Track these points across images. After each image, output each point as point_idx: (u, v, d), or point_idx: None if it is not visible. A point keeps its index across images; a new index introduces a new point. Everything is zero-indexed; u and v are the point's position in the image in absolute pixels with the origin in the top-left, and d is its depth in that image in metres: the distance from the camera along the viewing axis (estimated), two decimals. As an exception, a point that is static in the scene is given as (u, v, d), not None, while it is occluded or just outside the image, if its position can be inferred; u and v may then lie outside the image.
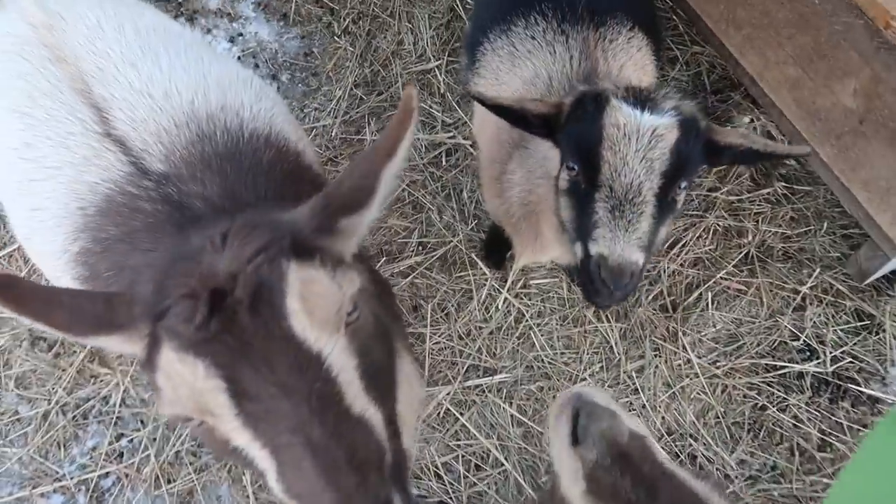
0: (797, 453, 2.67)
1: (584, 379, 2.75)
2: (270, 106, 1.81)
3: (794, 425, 2.71)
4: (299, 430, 0.96)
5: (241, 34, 3.36)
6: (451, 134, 3.12)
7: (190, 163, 1.51)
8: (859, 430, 2.70)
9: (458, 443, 2.61)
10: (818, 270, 2.88)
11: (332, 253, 1.13)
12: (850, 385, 2.78)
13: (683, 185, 1.60)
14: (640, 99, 1.58)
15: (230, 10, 3.41)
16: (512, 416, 2.68)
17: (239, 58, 3.30)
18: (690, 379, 2.75)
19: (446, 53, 3.28)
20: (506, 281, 2.87)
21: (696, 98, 3.21)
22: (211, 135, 1.56)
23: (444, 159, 3.10)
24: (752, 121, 3.17)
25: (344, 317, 1.06)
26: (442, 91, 3.22)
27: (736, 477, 2.63)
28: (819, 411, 2.74)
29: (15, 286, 1.04)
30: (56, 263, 1.58)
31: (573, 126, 1.62)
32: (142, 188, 1.47)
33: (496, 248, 2.83)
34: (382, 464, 1.02)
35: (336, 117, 3.18)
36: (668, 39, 3.28)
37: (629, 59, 2.08)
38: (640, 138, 1.52)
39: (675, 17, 3.26)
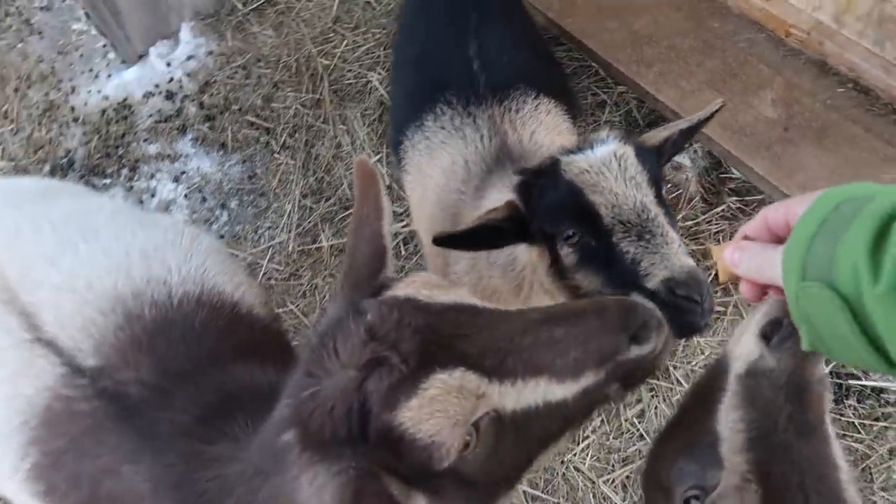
0: (816, 464, 2.62)
1: (588, 437, 2.71)
2: (202, 261, 1.83)
3: (806, 436, 2.66)
4: (530, 332, 1.04)
5: (183, 172, 3.44)
6: (405, 222, 3.16)
7: (120, 349, 1.52)
8: (872, 424, 2.65)
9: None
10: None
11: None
12: (850, 381, 2.74)
13: (664, 190, 1.55)
14: (578, 145, 1.56)
15: (170, 151, 3.49)
16: (524, 491, 2.63)
17: (186, 195, 3.37)
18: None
19: (384, 146, 3.35)
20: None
21: (632, 135, 3.27)
22: (139, 314, 1.57)
23: (402, 248, 3.13)
24: (690, 144, 3.22)
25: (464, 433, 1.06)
26: (388, 183, 3.27)
27: (761, 503, 2.57)
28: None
29: None
30: (12, 484, 1.57)
31: (545, 206, 1.53)
32: (77, 388, 1.47)
33: None
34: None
35: (290, 231, 3.22)
36: (592, 86, 3.36)
37: (539, 124, 2.13)
38: (611, 167, 1.46)
39: (593, 63, 3.35)
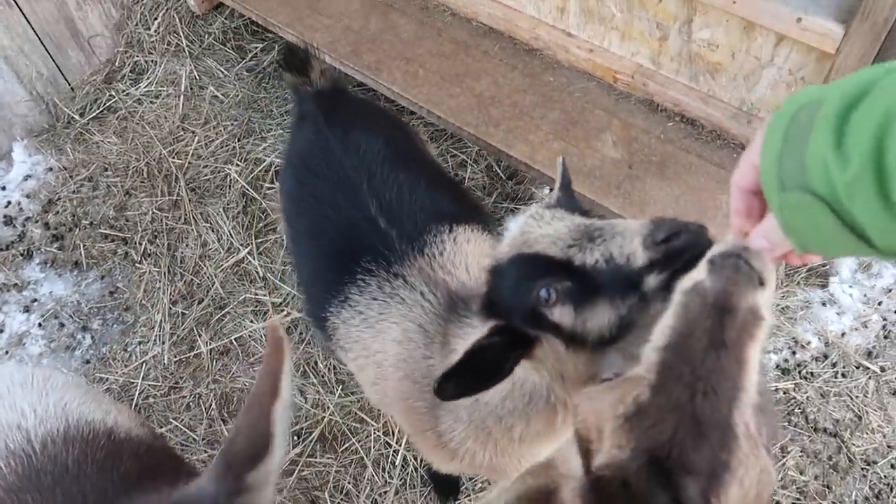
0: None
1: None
2: (60, 396, 1.67)
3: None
4: None
5: (35, 300, 3.17)
6: (286, 312, 3.07)
7: None
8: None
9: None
10: (662, 298, 3.04)
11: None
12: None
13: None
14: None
15: (16, 280, 3.22)
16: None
17: (40, 324, 3.10)
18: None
19: (253, 237, 3.26)
20: (392, 434, 2.78)
21: (496, 188, 3.39)
22: None
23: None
24: (551, 189, 3.38)
25: None
26: (262, 275, 3.18)
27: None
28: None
29: None
30: None
31: (504, 294, 1.41)
32: None
33: (445, 479, 2.63)
34: None
35: (164, 343, 3.03)
36: (450, 148, 3.47)
37: (467, 256, 2.02)
38: (530, 222, 1.38)
39: (445, 129, 3.46)
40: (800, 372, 2.93)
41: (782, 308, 3.06)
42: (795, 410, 2.85)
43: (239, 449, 1.13)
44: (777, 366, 2.94)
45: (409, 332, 1.90)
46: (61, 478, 1.46)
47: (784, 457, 2.74)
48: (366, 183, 2.08)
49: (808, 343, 2.99)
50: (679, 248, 1.23)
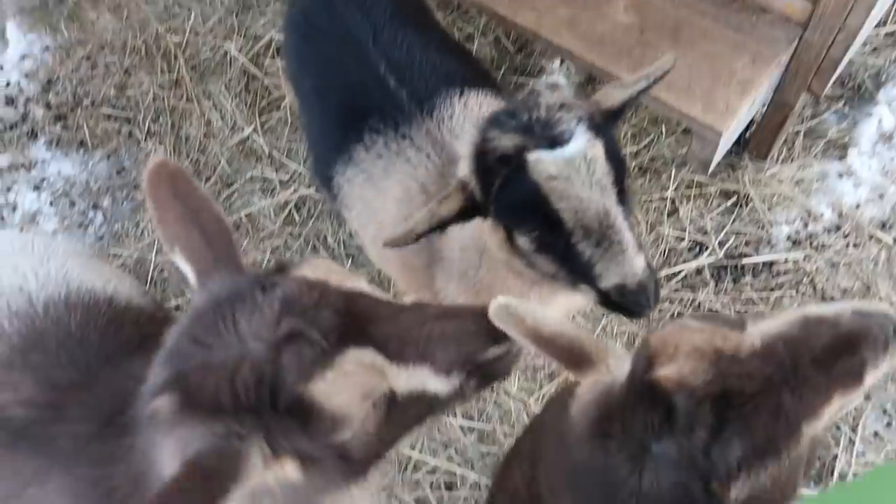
0: (725, 342, 2.76)
1: (513, 362, 2.74)
2: (62, 262, 1.67)
3: (712, 318, 2.80)
4: (417, 326, 1.14)
5: (44, 179, 3.17)
6: (293, 188, 3.06)
7: None
8: (768, 296, 2.82)
9: (419, 475, 2.56)
10: (674, 171, 2.99)
11: None
12: (744, 260, 2.90)
13: (626, 179, 1.50)
14: (549, 134, 1.41)
15: (23, 160, 3.21)
16: (461, 426, 2.64)
17: (51, 202, 3.12)
18: (606, 315, 2.79)
19: (256, 115, 3.21)
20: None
21: (504, 61, 3.27)
22: None
23: (296, 215, 3.03)
24: (562, 62, 3.26)
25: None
26: (267, 152, 3.14)
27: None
28: (728, 295, 2.84)
29: None
30: None
31: (505, 201, 1.46)
32: None
33: None
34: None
35: (174, 220, 3.04)
36: (458, 20, 3.33)
37: (476, 120, 1.97)
38: (579, 172, 1.39)
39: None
40: (811, 243, 2.91)
41: (797, 180, 3.00)
42: (804, 280, 2.86)
43: (210, 247, 1.18)
44: (788, 237, 2.92)
45: (411, 191, 1.90)
46: (65, 341, 1.48)
47: (789, 324, 2.77)
48: (372, 40, 2.02)
49: (822, 215, 2.95)
50: (627, 311, 1.52)
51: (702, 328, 1.05)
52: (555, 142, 1.40)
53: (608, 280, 1.45)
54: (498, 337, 1.14)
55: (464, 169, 1.51)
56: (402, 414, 1.18)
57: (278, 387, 1.01)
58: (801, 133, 3.08)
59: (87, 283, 1.65)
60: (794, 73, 2.58)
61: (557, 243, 1.45)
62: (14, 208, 3.11)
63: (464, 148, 1.53)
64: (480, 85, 2.09)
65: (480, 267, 1.79)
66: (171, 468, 0.99)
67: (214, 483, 0.95)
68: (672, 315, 2.82)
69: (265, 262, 2.92)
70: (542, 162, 1.38)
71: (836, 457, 2.55)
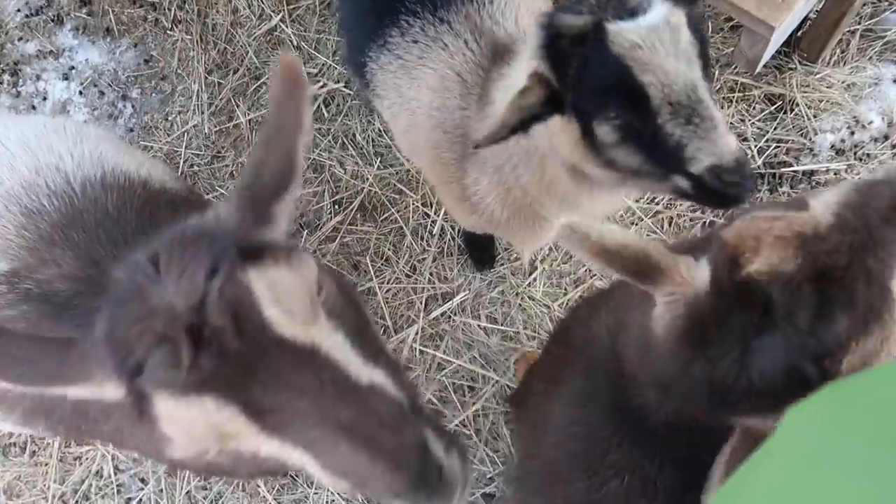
0: (756, 252, 2.73)
1: (537, 266, 2.75)
2: (95, 145, 1.69)
3: (745, 227, 2.76)
4: (326, 420, 0.97)
5: (72, 67, 3.14)
6: (321, 83, 2.99)
7: (32, 248, 1.42)
8: (805, 207, 2.75)
9: (444, 373, 2.64)
10: (717, 71, 2.85)
11: (277, 244, 1.09)
12: (783, 169, 2.81)
13: (709, 54, 1.43)
14: (626, 6, 1.34)
15: (50, 47, 3.17)
16: (484, 328, 2.70)
17: (80, 92, 3.10)
18: (636, 224, 2.76)
19: (284, 3, 3.09)
20: (430, 205, 2.82)
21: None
22: (39, 208, 1.46)
23: (324, 110, 2.98)
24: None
25: (318, 302, 1.05)
26: (296, 43, 3.05)
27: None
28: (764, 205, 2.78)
29: None
30: None
31: (585, 84, 1.37)
32: None
33: (481, 247, 2.71)
34: (404, 411, 1.04)
35: (202, 113, 3.02)
36: None
37: (517, 7, 1.87)
38: (663, 40, 1.31)
39: None
40: (855, 153, 2.80)
41: (847, 85, 2.85)
42: (844, 192, 2.77)
43: (265, 181, 1.10)
44: (832, 146, 2.81)
45: (447, 80, 1.83)
46: (103, 220, 1.51)
47: (824, 236, 2.71)
48: None
49: (870, 123, 2.81)
50: (723, 197, 1.36)
51: (774, 216, 1.06)
52: (633, 13, 1.33)
53: (702, 162, 1.33)
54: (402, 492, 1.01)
55: (533, 60, 1.41)
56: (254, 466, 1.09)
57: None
58: (858, 33, 2.89)
59: (121, 165, 1.67)
60: (857, -33, 2.39)
61: (644, 126, 1.35)
62: (44, 98, 3.11)
63: (531, 37, 1.43)
64: None
65: (528, 169, 1.70)
66: None
67: None
68: (704, 225, 2.78)
69: (294, 158, 2.91)
70: (624, 31, 1.31)
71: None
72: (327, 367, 1.00)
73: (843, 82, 2.85)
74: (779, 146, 2.83)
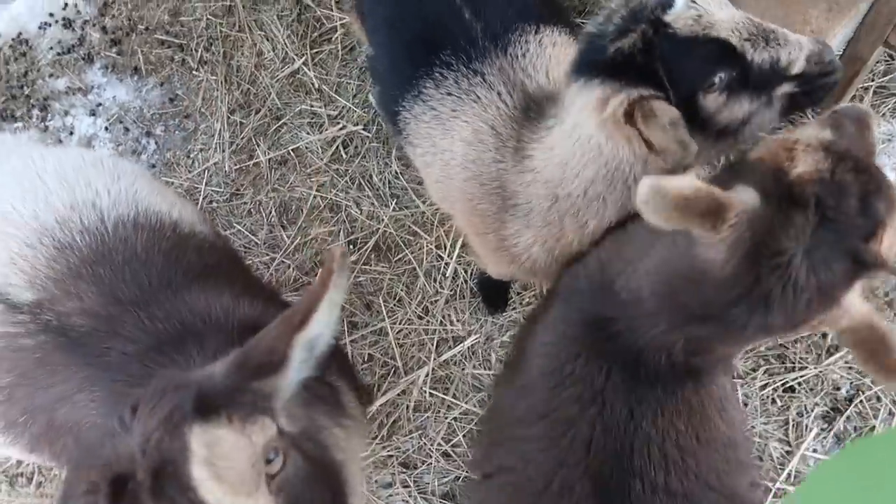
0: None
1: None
2: (131, 182, 1.73)
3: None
4: None
5: (99, 104, 3.23)
6: (341, 125, 3.05)
7: (59, 280, 1.45)
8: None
9: (454, 416, 2.63)
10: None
11: (242, 404, 1.07)
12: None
13: None
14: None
15: (80, 84, 3.26)
16: (494, 376, 2.69)
17: (106, 128, 3.18)
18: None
19: (307, 47, 3.18)
20: (444, 248, 2.84)
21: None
22: (70, 242, 1.49)
23: (342, 152, 3.04)
24: None
25: (261, 472, 1.01)
26: (317, 86, 3.13)
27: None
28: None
29: None
30: None
31: (680, 71, 1.47)
32: (18, 324, 1.41)
33: (495, 291, 2.71)
34: None
35: (223, 151, 3.09)
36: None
37: (549, 59, 1.92)
38: (707, 1, 1.48)
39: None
40: (869, 208, 2.81)
41: (862, 140, 2.87)
42: (858, 246, 2.77)
43: (257, 354, 1.14)
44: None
45: (481, 133, 1.85)
46: (130, 260, 1.54)
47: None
48: None
49: (884, 178, 2.83)
50: (831, 74, 1.53)
51: (788, 132, 1.27)
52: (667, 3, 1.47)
53: (799, 58, 1.50)
54: None
55: (618, 95, 1.48)
56: None
57: None
58: (871, 90, 2.92)
59: (154, 205, 1.70)
60: (870, 24, 2.43)
61: (740, 72, 1.48)
62: (71, 132, 3.19)
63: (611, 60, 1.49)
64: (555, 22, 2.01)
65: (591, 212, 1.71)
66: None
67: None
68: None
69: (311, 198, 2.96)
70: (680, 14, 1.45)
71: (873, 428, 2.53)
72: None
73: (856, 138, 2.87)
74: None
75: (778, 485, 2.47)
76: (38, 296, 1.44)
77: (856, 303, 1.22)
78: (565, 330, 1.55)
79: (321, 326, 1.16)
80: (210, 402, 1.03)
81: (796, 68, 1.51)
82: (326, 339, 1.19)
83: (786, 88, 1.54)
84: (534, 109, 1.81)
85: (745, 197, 1.21)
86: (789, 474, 2.49)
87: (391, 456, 2.60)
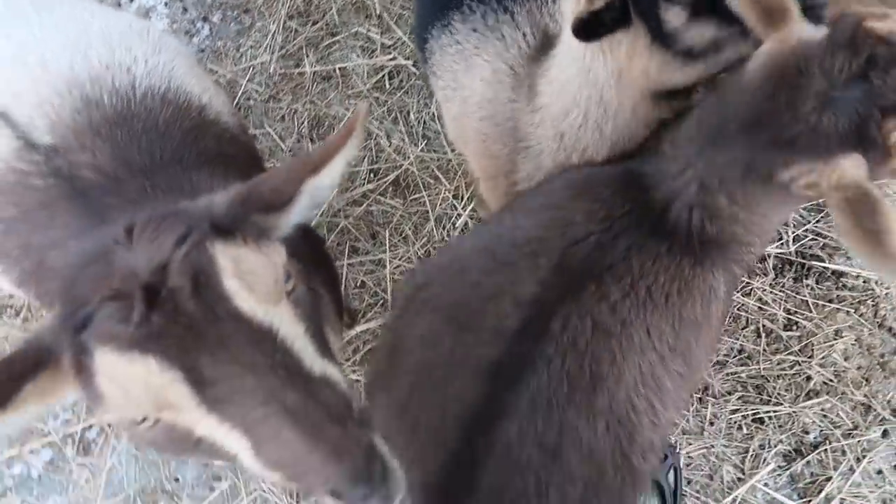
0: (763, 334, 2.71)
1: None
2: (171, 58, 1.75)
3: (759, 308, 2.74)
4: (272, 401, 0.94)
5: (164, -23, 3.25)
6: (392, 56, 3.04)
7: (77, 132, 1.49)
8: (824, 305, 2.72)
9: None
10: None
11: (253, 229, 1.11)
12: (813, 262, 2.78)
13: None
14: None
15: (150, -46, 3.28)
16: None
17: (166, 3, 3.21)
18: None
19: (376, -32, 3.15)
20: (461, 199, 2.85)
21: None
22: (97, 99, 1.53)
23: (387, 82, 3.04)
24: None
25: (283, 287, 1.06)
26: (378, 12, 3.11)
27: (703, 364, 2.68)
28: (783, 291, 2.75)
29: None
30: None
31: None
32: (31, 163, 1.46)
33: None
34: (354, 409, 1.02)
35: (273, 53, 3.10)
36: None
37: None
38: None
39: None
40: (890, 267, 2.75)
41: (903, 198, 2.81)
42: (867, 302, 2.73)
43: (261, 191, 1.15)
44: (869, 254, 2.77)
45: (499, 73, 1.85)
46: (150, 130, 1.58)
47: (836, 339, 2.68)
48: None
49: (914, 241, 2.77)
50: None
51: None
52: None
53: None
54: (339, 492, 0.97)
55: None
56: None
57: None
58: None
59: (186, 86, 1.73)
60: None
61: None
62: (131, 0, 3.22)
63: None
64: None
65: (596, 133, 1.71)
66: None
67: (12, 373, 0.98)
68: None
69: (345, 118, 2.97)
70: None
71: (829, 478, 2.53)
72: (281, 349, 0.99)
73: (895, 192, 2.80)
74: (815, 240, 2.80)
75: (718, 506, 2.50)
76: (56, 142, 1.49)
77: (853, 167, 1.25)
78: (609, 171, 1.63)
79: (331, 177, 1.16)
80: (223, 226, 1.06)
81: None
82: (328, 192, 1.20)
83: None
84: (547, 48, 1.80)
85: (808, 30, 1.29)
86: (734, 500, 2.52)
87: (359, 381, 2.67)
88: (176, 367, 0.93)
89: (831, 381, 2.64)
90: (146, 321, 0.93)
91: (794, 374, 2.65)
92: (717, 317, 1.61)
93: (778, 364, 2.67)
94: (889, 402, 2.63)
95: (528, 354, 1.41)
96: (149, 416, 0.99)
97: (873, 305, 2.72)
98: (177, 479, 2.58)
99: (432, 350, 1.51)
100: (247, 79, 3.07)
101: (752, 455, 2.58)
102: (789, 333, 2.70)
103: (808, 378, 2.64)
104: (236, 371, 0.94)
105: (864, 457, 2.55)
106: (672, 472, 2.43)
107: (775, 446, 2.59)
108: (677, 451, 2.50)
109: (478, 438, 1.38)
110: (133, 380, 0.94)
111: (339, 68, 3.06)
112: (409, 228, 2.84)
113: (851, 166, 1.24)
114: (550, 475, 1.37)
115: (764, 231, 1.61)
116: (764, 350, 2.69)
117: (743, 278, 2.75)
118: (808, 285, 2.76)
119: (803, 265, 2.79)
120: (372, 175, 2.92)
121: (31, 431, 2.59)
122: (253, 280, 1.01)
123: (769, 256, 2.78)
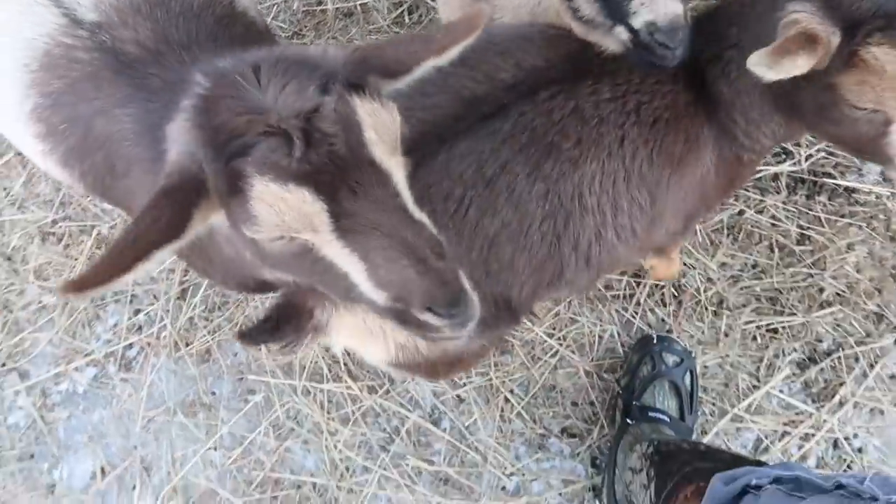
0: (776, 249, 2.77)
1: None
2: None
3: (772, 224, 2.80)
4: (394, 234, 1.14)
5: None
6: (420, -14, 3.13)
7: (120, 10, 1.60)
8: (836, 220, 2.78)
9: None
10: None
11: (374, 88, 1.23)
12: (825, 179, 2.84)
13: None
14: None
15: None
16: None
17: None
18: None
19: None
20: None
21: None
22: None
23: (406, 17, 3.13)
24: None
25: (399, 141, 1.20)
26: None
27: (718, 279, 2.75)
28: (796, 208, 2.81)
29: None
30: (18, 127, 1.71)
31: None
32: (77, 38, 1.57)
33: None
34: (445, 251, 1.22)
35: (295, -12, 3.21)
36: None
37: None
38: None
39: None
40: (903, 182, 2.81)
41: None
42: (880, 216, 2.78)
43: (381, 55, 1.26)
44: (881, 171, 2.82)
45: None
46: (185, 12, 1.69)
47: (848, 252, 2.73)
48: None
49: (925, 157, 2.81)
50: (659, 55, 1.51)
51: None
52: None
53: (641, 16, 1.49)
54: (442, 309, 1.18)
55: None
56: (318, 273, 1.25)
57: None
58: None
59: None
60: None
61: None
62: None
63: None
64: None
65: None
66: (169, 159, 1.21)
67: (179, 203, 1.14)
68: (733, 213, 2.82)
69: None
70: None
71: (843, 383, 2.59)
72: (398, 194, 1.17)
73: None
74: (828, 158, 2.86)
75: (735, 410, 2.57)
76: (100, 18, 1.59)
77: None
78: None
79: (445, 62, 1.30)
80: (351, 79, 1.18)
81: (634, 22, 1.50)
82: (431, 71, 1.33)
83: (620, 33, 1.55)
84: None
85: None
86: (749, 405, 2.59)
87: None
88: (323, 199, 1.10)
89: (844, 292, 2.70)
90: (305, 159, 1.09)
91: (808, 286, 2.71)
92: (696, 179, 1.72)
93: (791, 277, 2.73)
94: (901, 310, 2.69)
95: (506, 104, 1.59)
96: (287, 235, 1.14)
97: (885, 219, 2.78)
98: (213, 393, 2.69)
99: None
100: (271, 16, 3.17)
101: (766, 364, 2.65)
102: (802, 248, 2.76)
103: (821, 290, 2.70)
104: (367, 207, 1.13)
105: (876, 362, 2.61)
106: (688, 374, 2.51)
107: (789, 355, 2.65)
108: (693, 355, 2.58)
109: (432, 144, 1.56)
110: (288, 206, 1.09)
111: (360, 4, 3.16)
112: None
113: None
114: (475, 196, 1.55)
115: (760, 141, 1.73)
116: (777, 264, 2.75)
117: (756, 196, 2.82)
118: (820, 202, 2.82)
119: (815, 182, 2.85)
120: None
121: (76, 351, 2.72)
122: (383, 132, 1.16)
123: (782, 175, 2.84)
